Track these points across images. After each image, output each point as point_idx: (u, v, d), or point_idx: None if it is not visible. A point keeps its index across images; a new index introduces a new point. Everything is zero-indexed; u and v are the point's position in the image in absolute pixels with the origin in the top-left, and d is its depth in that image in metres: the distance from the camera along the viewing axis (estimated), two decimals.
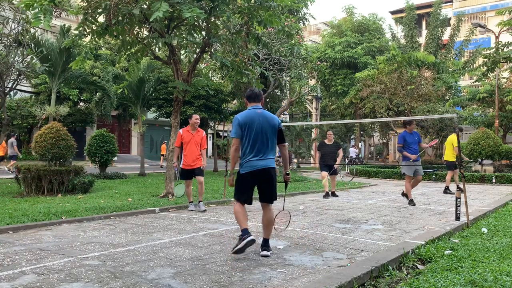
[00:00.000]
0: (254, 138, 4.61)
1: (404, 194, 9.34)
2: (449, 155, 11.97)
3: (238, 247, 4.41)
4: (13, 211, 6.99)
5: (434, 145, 9.32)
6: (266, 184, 4.66)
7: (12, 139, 17.46)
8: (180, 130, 8.08)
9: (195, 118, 8.07)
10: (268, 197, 4.68)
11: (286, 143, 4.96)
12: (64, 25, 14.24)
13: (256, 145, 4.62)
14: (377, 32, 32.37)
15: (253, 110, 4.73)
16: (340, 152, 11.02)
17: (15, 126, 24.09)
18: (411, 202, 9.14)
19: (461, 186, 11.66)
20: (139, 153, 21.63)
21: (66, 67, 13.57)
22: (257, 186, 4.71)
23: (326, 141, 11.12)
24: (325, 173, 10.84)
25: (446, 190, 11.87)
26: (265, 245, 4.64)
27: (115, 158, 17.18)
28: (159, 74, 19.01)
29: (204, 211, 7.90)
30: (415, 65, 23.54)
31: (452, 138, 11.72)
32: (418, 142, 9.06)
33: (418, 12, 34.58)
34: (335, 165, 10.96)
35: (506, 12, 19.27)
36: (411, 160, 8.87)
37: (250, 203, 4.76)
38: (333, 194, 11.01)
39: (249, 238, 4.40)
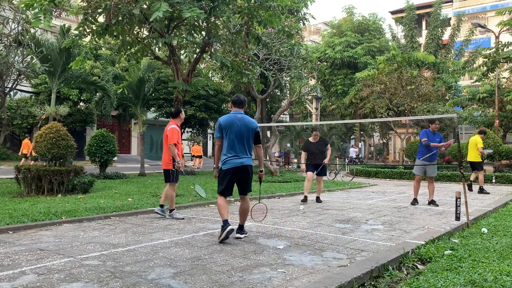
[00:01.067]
0: (233, 139, 5.31)
1: (430, 202, 9.15)
2: (474, 155, 12.21)
3: (222, 237, 5.13)
4: (13, 211, 6.98)
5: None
6: (243, 179, 5.41)
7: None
8: (176, 126, 7.19)
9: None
10: (244, 190, 5.48)
11: (261, 144, 5.60)
12: (64, 25, 14.25)
13: (235, 146, 5.32)
14: (377, 32, 32.37)
15: (234, 115, 5.44)
16: (328, 149, 9.78)
17: (15, 126, 24.10)
18: (414, 202, 9.23)
19: (483, 186, 12.01)
20: (139, 153, 21.62)
21: (66, 67, 13.58)
22: (236, 181, 5.41)
23: (311, 139, 9.84)
24: (310, 174, 9.50)
25: (482, 190, 12.08)
26: (240, 229, 5.52)
27: (115, 158, 17.18)
28: (159, 74, 19.01)
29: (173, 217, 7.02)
30: (415, 65, 23.53)
31: (477, 139, 12.10)
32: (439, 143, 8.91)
33: (418, 12, 34.59)
34: (325, 162, 9.59)
35: (506, 12, 19.27)
36: (427, 156, 8.78)
37: (228, 194, 5.45)
38: (317, 199, 9.65)
39: (229, 228, 5.13)
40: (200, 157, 26.12)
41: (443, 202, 9.86)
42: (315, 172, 9.55)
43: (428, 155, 8.82)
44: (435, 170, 9.12)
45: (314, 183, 10.19)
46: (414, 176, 9.55)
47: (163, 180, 7.35)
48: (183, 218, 6.97)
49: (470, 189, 12.46)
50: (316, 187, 9.98)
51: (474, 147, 12.10)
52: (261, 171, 5.58)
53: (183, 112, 7.40)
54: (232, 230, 5.18)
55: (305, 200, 9.42)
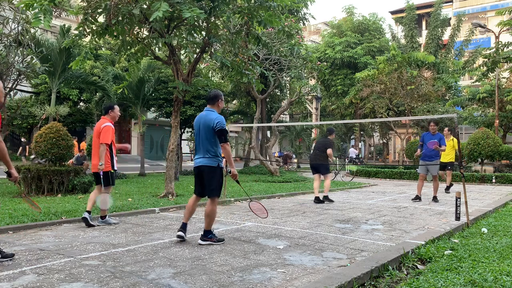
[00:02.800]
0: (197, 138, 5.21)
1: (433, 198, 9.82)
2: (451, 156, 12.03)
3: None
4: (13, 211, 6.99)
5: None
6: (203, 180, 5.16)
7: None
8: (111, 124, 6.44)
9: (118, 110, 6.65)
10: (204, 192, 5.20)
11: (226, 143, 5.12)
12: (64, 25, 14.24)
13: (198, 145, 5.20)
14: (377, 32, 32.36)
15: (202, 112, 5.27)
16: (328, 151, 9.43)
17: (15, 126, 24.09)
18: (416, 198, 9.89)
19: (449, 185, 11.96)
20: (139, 153, 21.63)
21: (66, 67, 13.57)
22: (199, 182, 5.24)
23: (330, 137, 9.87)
24: (315, 176, 9.75)
25: (448, 189, 12.12)
26: (204, 235, 5.15)
27: (115, 158, 17.17)
28: (159, 74, 18.99)
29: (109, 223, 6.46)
30: (415, 65, 23.52)
31: (454, 140, 11.90)
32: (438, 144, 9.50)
33: (418, 12, 34.56)
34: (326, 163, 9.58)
35: (506, 12, 19.25)
36: (416, 154, 9.85)
37: (202, 196, 5.30)
38: (325, 198, 9.61)
39: (177, 233, 5.21)
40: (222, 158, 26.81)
41: (443, 202, 9.87)
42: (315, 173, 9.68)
43: (419, 153, 9.79)
44: (435, 169, 9.70)
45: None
46: (414, 176, 9.97)
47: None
48: (117, 223, 6.42)
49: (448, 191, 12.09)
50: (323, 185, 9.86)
51: (453, 148, 11.89)
52: (229, 172, 5.22)
53: (116, 109, 6.54)
54: (179, 236, 5.16)
55: (316, 200, 9.48)
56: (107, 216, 6.42)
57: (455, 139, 11.78)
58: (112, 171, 6.39)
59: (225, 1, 8.51)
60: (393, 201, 10.18)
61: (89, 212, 6.22)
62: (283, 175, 17.07)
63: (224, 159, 5.34)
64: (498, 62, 19.06)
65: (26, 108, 22.97)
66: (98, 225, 6.26)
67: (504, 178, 15.76)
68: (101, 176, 6.27)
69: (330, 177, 10.24)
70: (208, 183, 5.10)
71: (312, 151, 9.92)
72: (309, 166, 10.35)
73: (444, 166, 11.78)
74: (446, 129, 12.17)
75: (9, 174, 4.30)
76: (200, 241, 5.09)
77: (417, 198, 9.91)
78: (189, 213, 5.28)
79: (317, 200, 9.46)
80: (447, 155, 11.70)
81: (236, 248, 4.92)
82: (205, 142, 5.10)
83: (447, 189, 12.11)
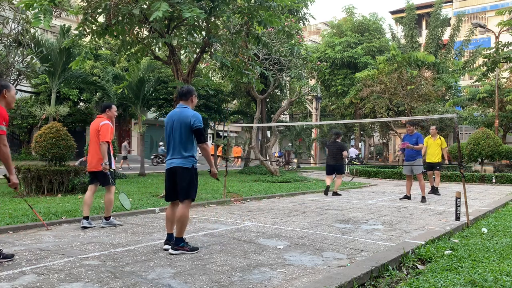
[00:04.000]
0: (169, 137, 4.75)
1: (421, 199, 9.92)
2: (439, 156, 11.64)
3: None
4: (13, 211, 6.99)
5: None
6: (175, 183, 4.70)
7: (125, 143, 23.02)
8: (109, 122, 6.30)
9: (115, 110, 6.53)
10: (177, 195, 4.74)
11: (205, 143, 4.77)
12: (64, 25, 14.25)
13: (170, 144, 4.73)
14: (377, 32, 32.33)
15: (175, 109, 4.83)
16: (344, 154, 11.29)
17: (15, 126, 24.09)
18: (405, 197, 10.20)
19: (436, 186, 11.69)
20: (139, 153, 21.62)
21: (66, 67, 13.58)
22: (170, 185, 4.78)
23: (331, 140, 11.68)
24: (328, 176, 11.49)
25: (437, 191, 11.60)
26: (174, 242, 4.65)
27: (115, 158, 17.18)
28: (159, 74, 19.01)
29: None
30: (415, 65, 23.52)
31: (441, 139, 11.59)
32: (415, 144, 9.74)
33: (418, 12, 34.54)
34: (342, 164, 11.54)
35: (506, 12, 19.25)
36: (399, 152, 10.05)
37: (170, 199, 4.84)
38: (334, 193, 11.20)
39: (164, 246, 4.77)
40: (239, 157, 28.57)
41: (443, 202, 9.87)
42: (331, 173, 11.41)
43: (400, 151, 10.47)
44: (419, 168, 9.92)
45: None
46: (413, 176, 10.25)
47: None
48: (121, 224, 6.36)
49: (438, 193, 11.60)
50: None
51: (439, 148, 11.44)
52: (209, 172, 4.97)
53: (113, 108, 6.43)
54: (165, 249, 4.74)
55: (326, 189, 11.24)
56: (111, 217, 6.33)
57: (442, 138, 11.49)
58: (111, 170, 6.29)
59: (225, 1, 8.51)
60: (393, 201, 10.18)
61: (86, 218, 6.08)
62: (283, 175, 17.06)
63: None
64: (498, 62, 19.06)
65: (26, 108, 22.98)
66: (102, 227, 6.18)
67: (504, 178, 15.76)
68: (108, 175, 6.17)
69: (343, 176, 12.02)
70: (181, 185, 4.64)
71: (327, 154, 11.34)
72: (310, 166, 11.32)
73: (431, 167, 11.51)
74: (433, 127, 11.69)
75: (8, 179, 4.27)
76: (171, 251, 4.60)
77: (406, 197, 10.19)
78: (170, 222, 4.82)
79: (334, 194, 11.10)
80: (435, 156, 11.35)
81: (236, 248, 4.92)
82: (179, 141, 4.65)
83: (436, 191, 11.48)
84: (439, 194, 11.38)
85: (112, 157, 6.42)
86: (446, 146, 11.74)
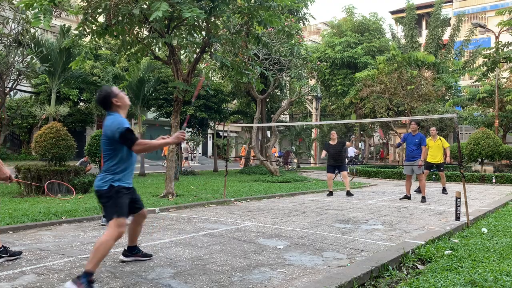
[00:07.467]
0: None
1: (421, 199, 9.95)
2: (441, 157, 11.72)
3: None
4: (13, 211, 6.99)
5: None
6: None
7: (186, 145, 23.37)
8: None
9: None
10: (134, 207, 4.16)
11: (136, 147, 3.69)
12: (64, 25, 14.25)
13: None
14: (377, 32, 32.32)
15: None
16: (347, 144, 11.50)
17: (15, 126, 24.09)
18: (405, 197, 10.22)
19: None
20: None
21: (66, 67, 13.58)
22: None
23: (330, 142, 11.06)
24: (330, 175, 11.26)
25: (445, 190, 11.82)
26: (78, 275, 3.41)
27: None
28: (159, 74, 19.00)
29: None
30: (415, 65, 23.51)
31: (442, 140, 11.65)
32: (420, 144, 9.82)
33: (418, 12, 34.54)
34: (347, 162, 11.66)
35: (506, 12, 19.25)
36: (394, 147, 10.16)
37: (105, 218, 3.97)
38: (347, 193, 11.05)
39: (120, 258, 4.32)
40: (252, 158, 28.74)
41: (443, 202, 9.87)
42: (336, 172, 11.57)
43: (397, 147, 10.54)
44: (420, 169, 9.91)
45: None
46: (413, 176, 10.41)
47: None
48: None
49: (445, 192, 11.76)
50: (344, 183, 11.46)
51: (441, 148, 11.52)
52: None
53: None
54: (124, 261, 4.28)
55: (330, 194, 11.16)
56: None
57: (442, 139, 11.54)
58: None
59: (225, 1, 8.51)
60: (393, 201, 10.18)
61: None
62: (283, 175, 17.06)
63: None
64: (498, 62, 19.06)
65: (26, 108, 22.98)
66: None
67: (504, 178, 15.75)
68: None
69: (347, 174, 11.86)
70: (104, 207, 3.83)
71: (329, 156, 11.05)
72: (311, 166, 11.39)
73: (431, 166, 11.57)
74: (433, 128, 11.76)
75: None
76: (68, 284, 3.34)
77: (406, 197, 10.22)
78: (131, 234, 4.31)
79: (348, 194, 11.07)
80: (435, 156, 11.40)
81: (236, 248, 4.92)
82: (108, 153, 3.74)
83: (444, 190, 11.75)
84: (447, 193, 11.56)
85: None
86: (448, 145, 11.83)
